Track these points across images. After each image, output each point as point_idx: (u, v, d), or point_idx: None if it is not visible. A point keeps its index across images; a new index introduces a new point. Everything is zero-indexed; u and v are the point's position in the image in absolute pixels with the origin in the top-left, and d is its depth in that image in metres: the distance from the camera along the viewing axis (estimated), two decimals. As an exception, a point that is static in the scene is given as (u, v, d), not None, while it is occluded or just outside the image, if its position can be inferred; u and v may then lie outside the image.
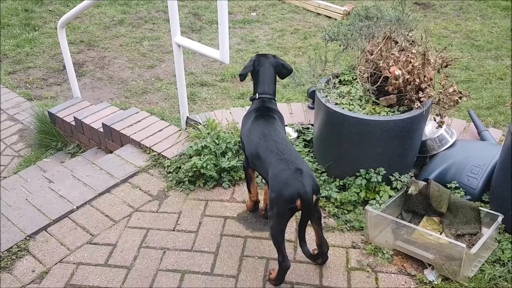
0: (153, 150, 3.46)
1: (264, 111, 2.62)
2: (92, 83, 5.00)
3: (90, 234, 2.81)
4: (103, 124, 3.74)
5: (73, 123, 3.97)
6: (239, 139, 3.34)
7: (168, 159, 3.36)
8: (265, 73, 2.69)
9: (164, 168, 3.32)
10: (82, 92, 4.50)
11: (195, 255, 2.65)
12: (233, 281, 2.48)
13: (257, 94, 2.69)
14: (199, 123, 3.55)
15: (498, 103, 4.27)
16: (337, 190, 2.96)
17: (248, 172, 2.77)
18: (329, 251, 2.50)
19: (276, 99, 2.73)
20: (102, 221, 2.90)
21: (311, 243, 2.55)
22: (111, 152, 3.63)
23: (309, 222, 2.38)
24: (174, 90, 4.53)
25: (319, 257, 2.51)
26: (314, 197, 2.22)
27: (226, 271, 2.54)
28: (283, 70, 2.76)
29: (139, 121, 3.75)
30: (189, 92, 4.44)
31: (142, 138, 3.55)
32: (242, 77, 2.71)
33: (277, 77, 2.77)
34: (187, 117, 3.65)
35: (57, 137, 4.14)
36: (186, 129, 3.64)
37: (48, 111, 4.15)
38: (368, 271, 2.52)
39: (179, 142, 3.52)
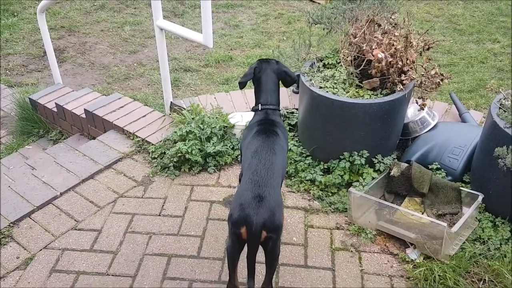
0: (137, 136, 3.43)
1: (266, 125, 2.39)
2: (74, 69, 4.92)
3: (75, 220, 2.80)
4: (85, 110, 3.69)
5: (55, 109, 3.92)
6: (224, 125, 3.34)
7: (152, 144, 3.34)
8: (267, 81, 2.50)
9: (149, 153, 3.30)
10: (64, 79, 4.43)
11: (182, 239, 2.66)
12: (220, 264, 2.50)
13: (259, 105, 2.48)
14: (183, 108, 3.53)
15: (479, 86, 4.33)
16: (322, 173, 2.99)
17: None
18: (314, 233, 2.51)
19: (280, 109, 2.55)
20: (86, 207, 2.89)
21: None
22: (94, 138, 3.60)
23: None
24: (157, 75, 4.49)
25: None
26: (264, 233, 1.94)
27: (212, 254, 2.56)
28: (286, 78, 2.57)
29: (122, 107, 3.71)
30: (173, 78, 4.41)
31: (126, 123, 3.52)
32: (242, 85, 2.53)
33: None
34: (171, 102, 3.63)
35: (39, 124, 4.09)
36: (170, 114, 3.62)
37: (29, 98, 4.08)
38: (351, 251, 2.56)
39: (163, 127, 3.50)
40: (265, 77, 2.50)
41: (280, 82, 2.56)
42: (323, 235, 2.66)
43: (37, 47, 5.31)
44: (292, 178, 3.05)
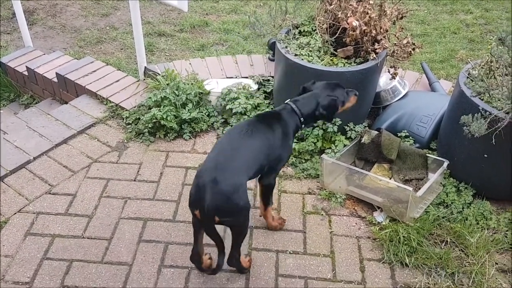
0: (110, 101, 3.40)
1: (271, 116, 2.28)
2: (44, 32, 4.77)
3: (49, 184, 2.80)
4: (57, 74, 3.62)
5: (26, 73, 3.82)
6: (200, 91, 3.33)
7: (126, 110, 3.32)
8: (311, 94, 2.36)
9: (123, 119, 3.29)
10: (34, 42, 4.30)
11: (157, 203, 2.70)
12: (194, 227, 2.56)
13: (289, 99, 2.35)
14: (158, 73, 3.50)
15: (451, 56, 4.42)
16: (296, 141, 3.05)
17: None
18: (287, 198, 2.54)
19: (303, 119, 2.30)
20: (60, 171, 2.88)
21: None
22: (66, 103, 3.54)
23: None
24: (131, 40, 4.40)
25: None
26: (217, 218, 1.98)
27: (188, 218, 2.60)
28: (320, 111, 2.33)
29: (94, 71, 3.65)
30: (147, 43, 4.33)
31: (99, 88, 3.48)
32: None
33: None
34: (145, 67, 3.58)
35: (10, 88, 3.99)
36: (144, 79, 3.58)
37: (-1, 61, 3.97)
38: (322, 214, 2.66)
39: (137, 93, 3.47)
40: (312, 92, 2.37)
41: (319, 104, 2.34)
42: (296, 199, 2.75)
43: (6, 8, 5.10)
44: (267, 145, 3.10)
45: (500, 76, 2.52)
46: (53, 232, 2.51)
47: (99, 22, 4.94)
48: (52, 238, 2.48)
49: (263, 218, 2.53)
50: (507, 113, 2.30)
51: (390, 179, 2.75)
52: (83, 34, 4.71)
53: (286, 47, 3.01)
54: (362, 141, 2.87)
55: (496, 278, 2.32)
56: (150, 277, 2.30)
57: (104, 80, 3.57)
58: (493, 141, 2.30)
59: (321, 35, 2.99)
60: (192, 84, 3.38)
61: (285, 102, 2.35)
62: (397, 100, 3.19)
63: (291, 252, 2.45)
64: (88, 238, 2.49)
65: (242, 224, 2.10)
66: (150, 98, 3.23)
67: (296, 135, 2.52)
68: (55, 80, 3.65)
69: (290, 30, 3.15)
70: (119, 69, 3.79)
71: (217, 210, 1.95)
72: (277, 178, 2.87)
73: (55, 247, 2.43)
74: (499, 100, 2.41)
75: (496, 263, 2.39)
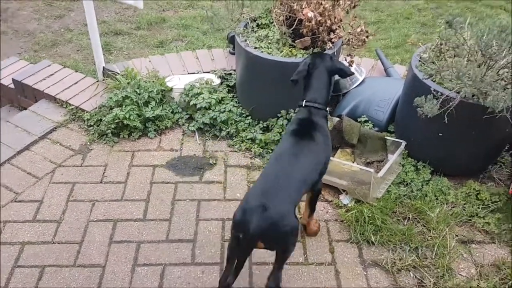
0: (70, 104, 3.35)
1: (305, 126, 2.26)
2: (-5, 37, 4.61)
3: (14, 192, 2.75)
4: (13, 79, 3.53)
5: (-21, 80, 3.70)
6: (162, 88, 3.32)
7: (87, 112, 3.28)
8: (319, 78, 2.34)
9: (84, 121, 3.25)
10: (-15, 47, 4.17)
11: (126, 204, 2.70)
12: (167, 224, 2.58)
13: (304, 101, 2.32)
14: (117, 73, 3.46)
15: (404, 41, 4.55)
16: (262, 132, 3.11)
17: None
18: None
19: (328, 109, 2.37)
20: (24, 178, 2.83)
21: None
22: (25, 109, 3.46)
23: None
24: (87, 40, 4.32)
25: None
26: (261, 245, 1.93)
27: (159, 216, 2.63)
28: (342, 74, 2.45)
29: (52, 75, 3.58)
30: (103, 42, 4.26)
31: (57, 92, 3.42)
32: (295, 82, 2.36)
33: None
34: (104, 67, 3.54)
35: (-38, 97, 3.85)
36: (103, 80, 3.53)
37: None
38: (290, 201, 2.73)
39: (98, 94, 3.43)
40: (317, 73, 2.35)
41: (332, 79, 2.42)
42: (264, 189, 2.80)
43: (-50, 14, 4.89)
44: (234, 138, 3.15)
45: (449, 57, 2.64)
46: (22, 239, 2.48)
47: (53, 24, 4.81)
48: (21, 245, 2.45)
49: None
50: (458, 92, 2.42)
51: (353, 163, 2.85)
52: (37, 37, 4.58)
53: (246, 40, 3.05)
54: (325, 128, 2.95)
55: (457, 249, 2.46)
56: (124, 277, 2.31)
57: (63, 83, 3.50)
58: (446, 120, 2.42)
59: (278, 27, 3.05)
60: (153, 81, 3.37)
61: (302, 106, 2.32)
62: (355, 87, 3.29)
63: (263, 240, 2.50)
64: (58, 243, 2.47)
65: (291, 246, 2.03)
66: (111, 98, 3.20)
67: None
68: (12, 86, 3.56)
69: (248, 23, 3.19)
70: (77, 71, 3.72)
71: (262, 235, 1.89)
72: (245, 170, 2.93)
73: (25, 254, 2.40)
74: (450, 81, 2.53)
75: (456, 235, 2.52)
